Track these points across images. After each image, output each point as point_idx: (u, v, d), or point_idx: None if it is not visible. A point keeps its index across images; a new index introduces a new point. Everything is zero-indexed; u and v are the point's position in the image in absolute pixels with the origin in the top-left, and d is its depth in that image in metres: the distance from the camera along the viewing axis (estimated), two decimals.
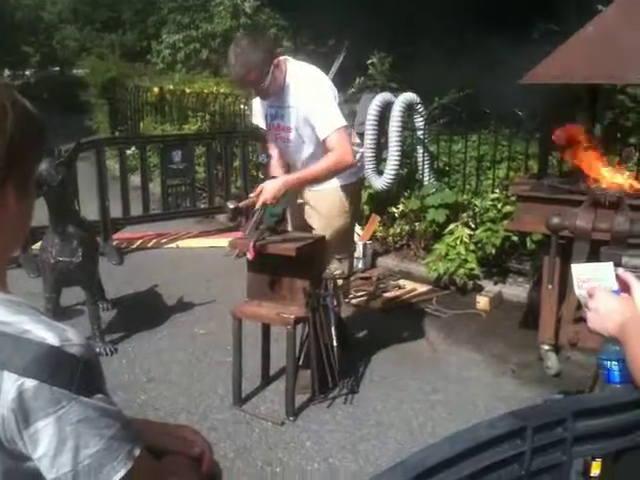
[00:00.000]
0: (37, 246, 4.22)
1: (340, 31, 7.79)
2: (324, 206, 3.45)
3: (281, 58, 3.23)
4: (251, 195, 3.16)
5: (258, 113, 3.54)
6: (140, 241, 6.22)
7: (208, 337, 4.12)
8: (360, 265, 5.25)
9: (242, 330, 3.26)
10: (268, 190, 3.04)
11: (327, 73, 4.66)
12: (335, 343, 3.25)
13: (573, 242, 3.22)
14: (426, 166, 5.66)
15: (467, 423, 1.15)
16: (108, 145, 6.86)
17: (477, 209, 5.05)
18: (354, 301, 4.64)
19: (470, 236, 4.85)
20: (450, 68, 7.12)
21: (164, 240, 6.28)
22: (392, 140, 5.46)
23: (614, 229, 3.10)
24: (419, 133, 5.71)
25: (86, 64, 15.22)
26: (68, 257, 3.66)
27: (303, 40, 10.91)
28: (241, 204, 3.18)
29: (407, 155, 5.87)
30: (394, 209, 5.66)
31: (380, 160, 5.65)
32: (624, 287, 1.34)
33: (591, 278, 1.36)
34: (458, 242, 4.82)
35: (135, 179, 6.96)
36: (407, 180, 5.87)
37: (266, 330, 3.44)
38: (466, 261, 4.76)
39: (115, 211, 5.96)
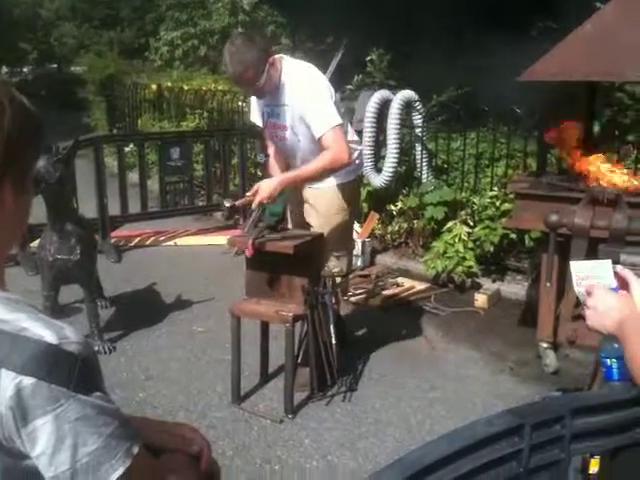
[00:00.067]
0: (35, 244, 4.21)
1: (339, 28, 7.79)
2: (323, 204, 3.45)
3: (276, 56, 3.22)
4: (247, 194, 3.15)
5: (255, 111, 3.54)
6: (138, 239, 6.21)
7: (207, 335, 4.12)
8: (359, 263, 5.25)
9: (241, 328, 3.26)
10: (264, 189, 3.04)
11: (325, 70, 4.66)
12: (334, 341, 3.25)
13: (571, 240, 3.22)
14: (424, 164, 5.66)
15: (465, 421, 1.15)
16: (106, 142, 6.85)
17: (475, 207, 5.05)
18: (353, 299, 4.64)
19: (468, 234, 4.86)
20: (448, 66, 7.12)
21: (162, 238, 6.28)
22: (390, 138, 5.46)
23: (612, 227, 3.10)
24: (417, 131, 5.71)
25: (84, 61, 15.21)
26: (66, 255, 3.66)
27: (301, 38, 10.90)
28: (237, 203, 3.18)
29: (405, 153, 5.87)
30: (392, 207, 5.66)
31: (378, 158, 5.65)
32: (623, 284, 1.34)
33: (590, 275, 1.36)
34: (456, 240, 4.82)
35: (133, 176, 6.95)
36: (405, 178, 5.87)
37: (265, 328, 3.44)
38: (464, 259, 4.76)
39: (113, 209, 5.96)
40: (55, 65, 23.89)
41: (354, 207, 3.68)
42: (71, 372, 0.85)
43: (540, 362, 3.66)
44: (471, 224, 4.97)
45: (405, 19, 9.10)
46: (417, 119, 5.71)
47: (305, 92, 3.14)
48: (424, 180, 5.61)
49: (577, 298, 1.41)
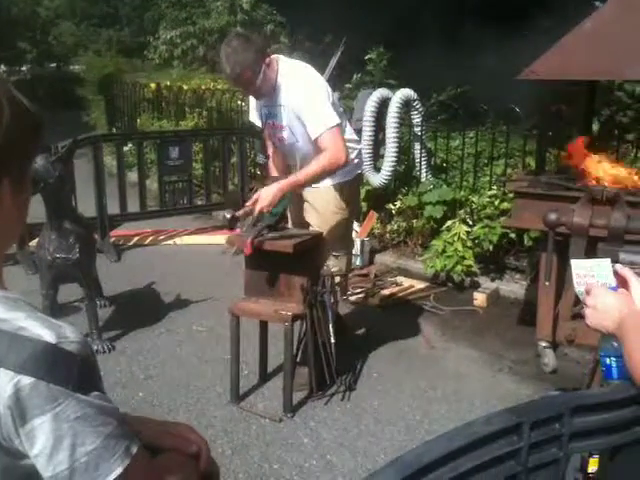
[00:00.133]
0: (34, 243, 4.21)
1: (338, 27, 7.78)
2: (322, 203, 3.45)
3: (273, 57, 3.22)
4: (247, 203, 3.14)
5: (254, 111, 3.54)
6: (137, 238, 6.21)
7: (206, 334, 4.12)
8: (358, 262, 5.26)
9: (240, 327, 3.26)
10: (264, 198, 3.04)
11: (324, 69, 4.66)
12: (333, 340, 3.25)
13: (570, 239, 3.22)
14: (423, 163, 5.67)
15: (464, 420, 1.15)
16: (105, 141, 6.84)
17: (474, 206, 5.05)
18: (352, 298, 4.64)
19: (467, 233, 4.86)
20: (448, 64, 7.12)
21: (161, 237, 6.28)
22: (389, 137, 5.46)
23: (611, 225, 3.10)
24: (416, 130, 5.71)
25: (83, 60, 15.20)
26: (65, 254, 3.66)
27: (300, 37, 10.89)
28: (238, 213, 3.15)
29: (404, 152, 5.87)
30: (391, 206, 5.66)
31: (378, 157, 5.65)
32: (622, 283, 1.34)
33: (590, 274, 1.36)
34: (455, 239, 4.82)
35: (132, 175, 6.95)
36: (404, 177, 5.88)
37: (264, 327, 3.44)
38: (463, 258, 4.76)
39: (112, 208, 5.95)
40: (54, 64, 23.87)
41: (353, 206, 3.68)
42: (70, 371, 0.85)
43: (539, 361, 3.66)
44: (470, 223, 4.98)
45: (404, 18, 9.11)
46: (416, 118, 5.71)
47: (301, 92, 3.14)
48: (423, 179, 5.61)
49: (576, 297, 1.42)
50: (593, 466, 1.33)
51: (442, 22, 8.67)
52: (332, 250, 3.48)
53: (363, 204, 5.60)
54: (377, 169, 5.59)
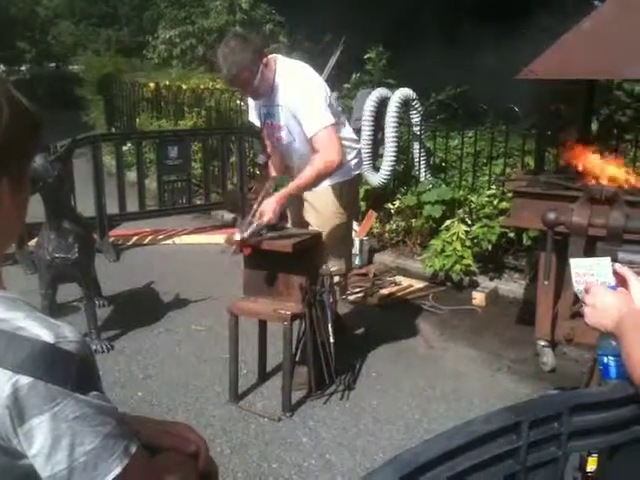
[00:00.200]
0: (33, 242, 4.21)
1: (337, 27, 7.78)
2: (321, 203, 3.45)
3: (271, 57, 3.22)
4: (253, 219, 3.08)
5: (253, 110, 3.54)
6: (136, 237, 6.21)
7: (205, 333, 4.12)
8: (357, 261, 5.25)
9: (239, 326, 3.26)
10: (268, 211, 3.05)
11: (323, 69, 4.65)
12: (332, 339, 3.25)
13: (569, 238, 3.22)
14: (422, 162, 5.67)
15: (463, 419, 1.15)
16: (104, 141, 6.84)
17: (473, 205, 5.05)
18: (350, 297, 4.64)
19: (466, 232, 4.86)
20: (447, 64, 7.12)
21: (160, 236, 6.28)
22: (388, 136, 5.46)
23: (610, 225, 3.10)
24: (415, 129, 5.71)
25: (82, 60, 15.19)
26: (64, 253, 3.66)
27: (299, 36, 10.88)
28: (246, 235, 3.06)
29: (403, 151, 5.87)
30: (390, 205, 5.66)
31: (377, 156, 5.65)
32: (621, 282, 1.34)
33: (590, 272, 1.36)
34: (454, 238, 4.82)
35: (131, 175, 6.94)
36: (403, 176, 5.88)
37: (263, 326, 3.44)
38: (462, 257, 4.76)
39: (111, 207, 5.95)
40: (53, 64, 23.87)
41: (353, 206, 3.68)
42: (68, 371, 0.84)
43: (538, 360, 3.66)
44: (469, 222, 4.98)
45: (403, 17, 9.11)
46: (415, 117, 5.71)
47: (298, 91, 3.14)
48: (422, 179, 5.62)
49: (575, 296, 1.42)
50: (592, 465, 1.33)
51: (441, 22, 8.67)
52: (332, 250, 3.47)
53: (362, 203, 5.60)
54: (376, 168, 5.59)
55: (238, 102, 7.58)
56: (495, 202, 4.89)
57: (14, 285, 3.70)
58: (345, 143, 3.34)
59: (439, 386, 3.49)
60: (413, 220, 5.47)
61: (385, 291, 4.83)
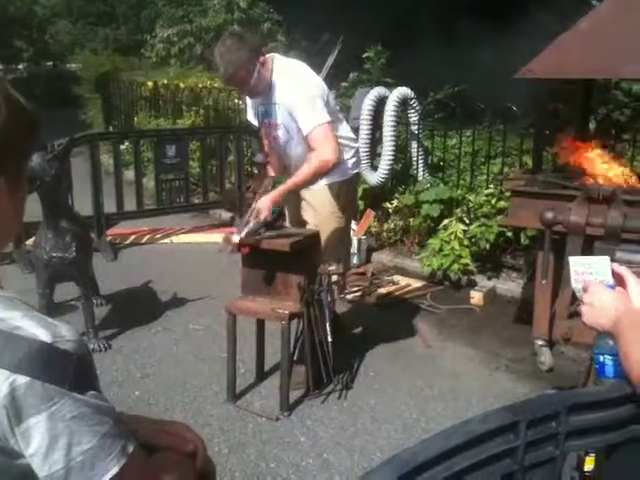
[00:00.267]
0: (31, 241, 4.20)
1: (335, 26, 7.77)
2: (320, 202, 3.45)
3: (268, 56, 3.22)
4: (249, 218, 3.11)
5: (250, 110, 3.54)
6: (134, 236, 6.21)
7: (202, 333, 4.11)
8: (355, 260, 5.25)
9: (237, 326, 3.26)
10: (263, 209, 3.06)
11: (321, 68, 4.66)
12: (330, 339, 3.25)
13: (567, 237, 3.22)
14: (420, 161, 5.67)
15: (461, 418, 1.15)
16: (102, 140, 6.83)
17: (471, 204, 5.05)
18: (348, 296, 4.64)
19: (464, 231, 4.86)
20: (445, 63, 7.11)
21: (158, 235, 6.27)
22: (386, 135, 5.46)
23: (608, 224, 3.10)
24: (413, 128, 5.71)
25: (79, 58, 15.18)
26: (62, 253, 3.65)
27: (296, 36, 10.88)
28: (243, 234, 3.09)
29: (401, 150, 5.87)
30: (388, 204, 5.66)
31: (375, 155, 5.65)
32: (619, 281, 1.34)
33: (588, 271, 1.36)
34: (452, 237, 4.83)
35: (129, 174, 6.94)
36: (401, 175, 5.88)
37: (261, 325, 3.44)
38: (460, 256, 4.76)
39: (109, 206, 5.94)
40: (50, 62, 23.84)
41: (351, 205, 3.67)
42: (65, 370, 0.84)
43: (535, 359, 3.66)
44: (467, 222, 4.98)
45: (402, 16, 9.10)
46: (413, 116, 5.71)
47: (294, 89, 3.14)
48: (420, 178, 5.62)
49: (572, 295, 1.42)
50: (589, 464, 1.33)
51: (439, 21, 8.66)
52: (330, 249, 3.46)
53: (360, 202, 5.60)
54: (374, 167, 5.59)
55: (236, 101, 7.57)
56: (493, 201, 4.89)
57: (11, 284, 3.69)
58: (343, 142, 3.34)
59: (437, 385, 3.49)
60: (411, 219, 5.47)
61: (383, 290, 4.83)
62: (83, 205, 5.29)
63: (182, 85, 9.30)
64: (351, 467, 2.79)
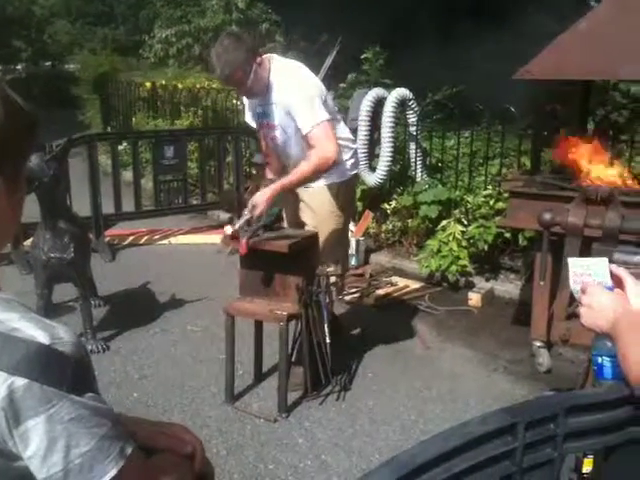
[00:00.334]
0: (29, 242, 4.19)
1: (333, 26, 7.78)
2: (318, 203, 3.44)
3: (265, 56, 3.22)
4: (245, 212, 3.12)
5: (248, 111, 3.54)
6: (132, 237, 6.20)
7: (201, 334, 4.11)
8: (353, 262, 5.25)
9: (235, 327, 3.26)
10: (259, 203, 3.05)
11: (319, 69, 4.66)
12: (328, 340, 3.24)
13: (565, 238, 3.23)
14: (419, 162, 5.67)
15: (459, 419, 1.15)
16: (100, 140, 6.83)
17: (469, 205, 5.05)
18: (347, 298, 4.64)
19: (462, 232, 4.86)
20: (443, 64, 7.12)
21: (156, 236, 6.27)
22: (385, 136, 5.46)
23: (605, 225, 3.10)
24: (412, 129, 5.71)
25: (78, 59, 15.17)
26: (60, 253, 3.65)
27: (294, 37, 10.88)
28: (237, 226, 3.12)
29: (400, 151, 5.87)
30: (387, 205, 5.66)
31: (373, 156, 5.65)
32: (617, 283, 1.34)
33: (587, 272, 1.36)
34: (450, 239, 4.83)
35: (127, 175, 6.93)
36: (400, 176, 5.88)
37: (259, 327, 3.43)
38: (458, 258, 4.76)
39: (107, 207, 5.94)
40: (49, 63, 23.82)
41: (349, 206, 3.67)
42: (63, 372, 0.84)
43: (533, 361, 3.67)
44: (465, 223, 4.98)
45: (400, 17, 9.11)
46: (412, 117, 5.71)
47: (292, 89, 3.14)
48: (418, 179, 5.62)
49: (570, 297, 1.42)
50: (587, 466, 1.33)
51: (438, 22, 8.68)
52: (329, 250, 3.46)
53: (358, 203, 5.60)
54: (372, 168, 5.59)
55: (234, 102, 7.57)
56: (491, 202, 4.89)
57: (10, 285, 3.69)
58: (341, 143, 3.34)
59: (435, 387, 3.49)
60: (409, 220, 5.47)
61: (381, 291, 4.83)
62: (81, 206, 5.28)
63: (180, 86, 9.30)
64: (349, 469, 2.79)
